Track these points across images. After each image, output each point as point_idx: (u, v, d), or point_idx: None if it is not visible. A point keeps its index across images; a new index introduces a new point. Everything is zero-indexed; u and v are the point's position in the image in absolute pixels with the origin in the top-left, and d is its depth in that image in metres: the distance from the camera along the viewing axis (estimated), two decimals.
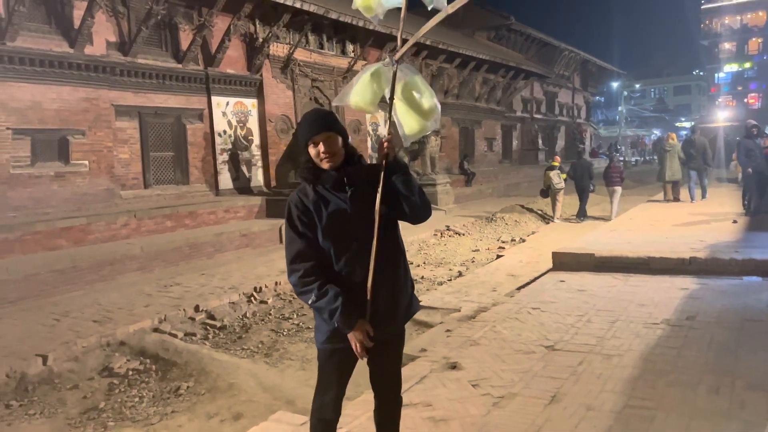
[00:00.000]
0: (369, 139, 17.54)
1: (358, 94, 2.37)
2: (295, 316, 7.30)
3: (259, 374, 5.31)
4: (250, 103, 13.73)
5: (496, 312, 5.69)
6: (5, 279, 7.62)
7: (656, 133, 53.97)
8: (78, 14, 10.15)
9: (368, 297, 2.28)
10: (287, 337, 6.56)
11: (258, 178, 13.86)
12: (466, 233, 12.94)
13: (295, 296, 7.12)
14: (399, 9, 2.40)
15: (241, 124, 13.50)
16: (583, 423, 3.28)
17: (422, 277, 8.98)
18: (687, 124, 53.94)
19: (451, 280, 8.64)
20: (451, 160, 21.34)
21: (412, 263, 9.82)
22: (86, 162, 10.43)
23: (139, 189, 11.48)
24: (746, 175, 10.90)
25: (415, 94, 2.34)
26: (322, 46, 15.58)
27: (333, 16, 14.07)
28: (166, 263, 9.60)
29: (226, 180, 13.12)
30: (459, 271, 9.27)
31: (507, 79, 24.82)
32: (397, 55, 2.31)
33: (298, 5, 12.90)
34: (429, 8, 2.33)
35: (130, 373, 5.54)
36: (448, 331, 5.51)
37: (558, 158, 14.67)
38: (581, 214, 13.83)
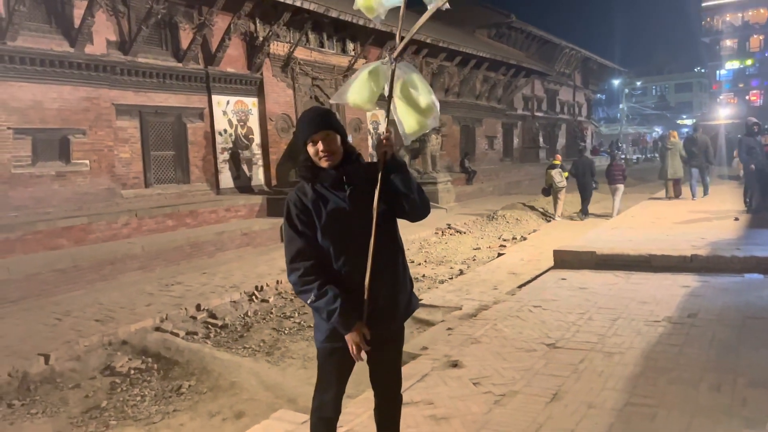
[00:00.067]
0: (370, 137, 17.53)
1: (356, 92, 2.37)
2: (296, 314, 7.30)
3: (260, 373, 5.32)
4: (251, 102, 13.73)
5: (498, 310, 5.69)
6: (7, 279, 7.63)
7: (657, 130, 53.92)
8: (78, 13, 10.16)
9: (366, 296, 2.27)
10: (288, 335, 6.56)
11: (259, 176, 13.87)
12: (468, 231, 12.93)
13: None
14: (399, 8, 2.40)
15: (242, 123, 13.50)
16: (584, 421, 3.28)
17: (423, 276, 8.98)
18: (688, 122, 53.94)
19: (452, 278, 8.64)
20: (452, 158, 21.33)
21: (413, 262, 9.83)
22: (87, 161, 10.44)
23: (140, 188, 11.49)
24: (748, 173, 10.88)
25: (413, 92, 2.34)
26: (322, 45, 15.57)
27: (333, 14, 14.06)
28: (167, 262, 9.61)
29: (226, 179, 13.12)
30: (460, 270, 9.27)
31: (508, 77, 24.79)
32: (395, 53, 2.31)
33: (298, 4, 12.90)
34: (429, 7, 2.33)
35: (132, 372, 5.55)
36: (449, 329, 5.50)
37: (559, 156, 14.68)
38: (583, 212, 13.83)
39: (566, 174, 13.79)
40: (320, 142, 2.27)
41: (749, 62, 54.07)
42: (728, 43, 54.68)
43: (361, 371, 2.55)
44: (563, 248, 7.75)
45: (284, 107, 14.40)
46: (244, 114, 13.58)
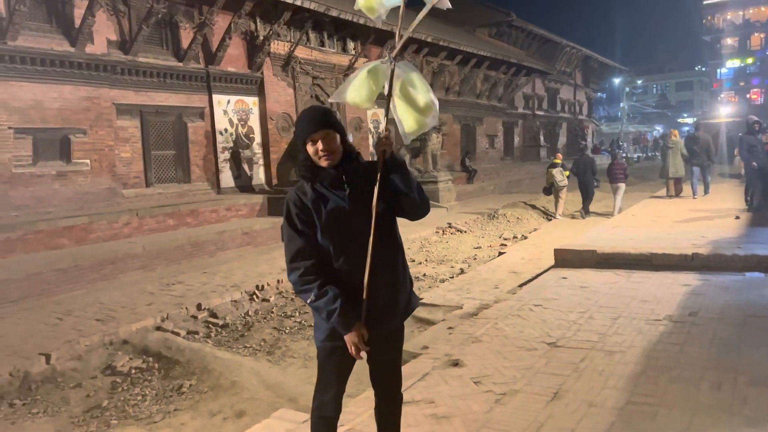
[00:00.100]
0: (371, 136, 17.53)
1: (355, 90, 2.37)
2: (297, 314, 7.30)
3: (261, 372, 5.32)
4: (251, 101, 13.73)
5: (498, 309, 5.69)
6: (8, 278, 7.64)
7: (658, 129, 53.86)
8: (79, 13, 10.16)
9: (365, 295, 2.27)
10: (289, 335, 6.57)
11: (259, 176, 13.87)
12: (468, 230, 12.93)
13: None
14: (399, 8, 2.40)
15: (243, 122, 13.50)
16: (585, 419, 3.28)
17: (424, 275, 8.98)
18: (689, 120, 53.88)
19: (453, 277, 8.63)
20: (452, 157, 21.31)
21: (414, 261, 9.83)
22: (88, 161, 10.45)
23: (141, 188, 11.50)
24: (749, 171, 10.87)
25: (411, 91, 2.34)
26: (323, 44, 15.57)
27: (333, 13, 14.05)
28: (168, 262, 9.61)
29: (227, 178, 13.13)
30: (461, 269, 9.27)
31: (508, 76, 24.78)
32: (394, 53, 2.31)
33: (298, 3, 12.88)
34: (426, 3, 2.33)
35: (133, 371, 5.55)
36: (450, 328, 5.50)
37: (560, 155, 14.66)
38: (584, 211, 13.82)
39: (567, 173, 13.78)
40: (320, 141, 2.27)
41: (750, 60, 54.01)
42: (729, 41, 54.60)
43: (361, 370, 2.55)
44: (564, 247, 7.75)
45: (285, 106, 14.40)
46: (245, 113, 13.58)
